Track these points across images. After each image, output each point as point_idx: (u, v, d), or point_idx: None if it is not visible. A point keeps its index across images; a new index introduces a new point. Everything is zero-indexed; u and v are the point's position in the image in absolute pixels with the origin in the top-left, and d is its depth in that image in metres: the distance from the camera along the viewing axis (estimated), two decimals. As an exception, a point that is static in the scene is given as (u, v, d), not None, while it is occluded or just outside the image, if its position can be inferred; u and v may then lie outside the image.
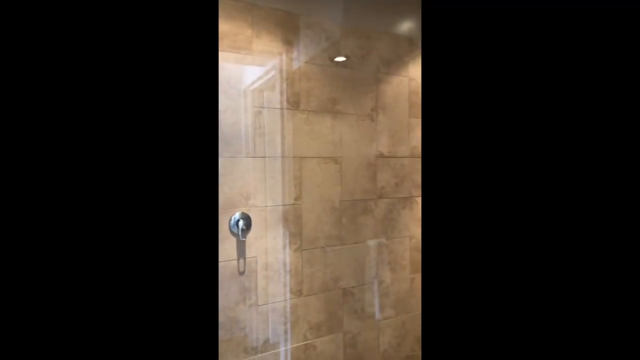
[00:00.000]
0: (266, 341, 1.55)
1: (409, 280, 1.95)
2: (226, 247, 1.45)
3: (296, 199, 1.61)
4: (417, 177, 1.96)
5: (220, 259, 1.45)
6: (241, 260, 1.49)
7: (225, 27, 1.45)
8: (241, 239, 1.46)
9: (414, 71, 1.95)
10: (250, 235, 1.50)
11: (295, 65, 1.61)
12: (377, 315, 1.86)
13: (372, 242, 1.83)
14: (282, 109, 1.58)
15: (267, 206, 1.54)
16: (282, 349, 1.59)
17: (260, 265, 1.53)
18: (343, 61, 1.73)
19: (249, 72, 1.50)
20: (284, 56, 1.58)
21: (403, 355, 1.94)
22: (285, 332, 1.60)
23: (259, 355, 1.54)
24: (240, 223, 1.46)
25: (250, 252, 1.51)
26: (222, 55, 1.44)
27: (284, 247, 1.59)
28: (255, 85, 1.53)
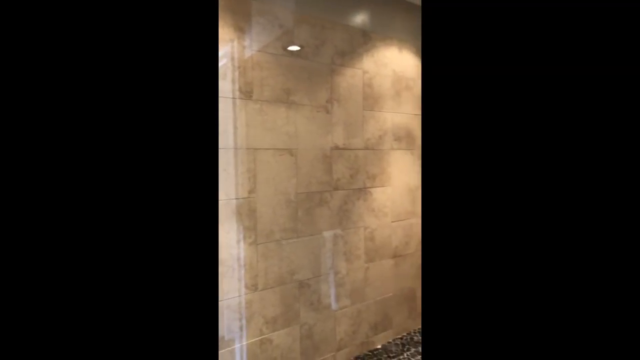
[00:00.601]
0: (221, 339, 1.51)
1: (363, 270, 1.99)
2: (176, 244, 1.38)
3: (250, 192, 1.57)
4: (371, 169, 1.99)
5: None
6: (192, 257, 1.42)
7: (170, 9, 1.35)
8: (192, 234, 1.39)
9: (368, 64, 1.96)
10: (202, 230, 1.44)
11: (248, 53, 1.55)
12: (334, 306, 1.88)
13: (327, 234, 1.84)
14: (234, 98, 1.51)
15: (219, 200, 1.48)
16: (237, 345, 1.56)
17: (213, 261, 1.48)
18: (297, 51, 1.70)
19: (197, 58, 1.42)
20: (235, 43, 1.52)
21: (358, 342, 1.99)
22: (241, 329, 1.57)
23: (213, 353, 1.49)
24: (191, 218, 1.39)
25: (202, 248, 1.44)
26: (167, 39, 1.34)
27: (238, 241, 1.54)
28: (205, 73, 1.45)
